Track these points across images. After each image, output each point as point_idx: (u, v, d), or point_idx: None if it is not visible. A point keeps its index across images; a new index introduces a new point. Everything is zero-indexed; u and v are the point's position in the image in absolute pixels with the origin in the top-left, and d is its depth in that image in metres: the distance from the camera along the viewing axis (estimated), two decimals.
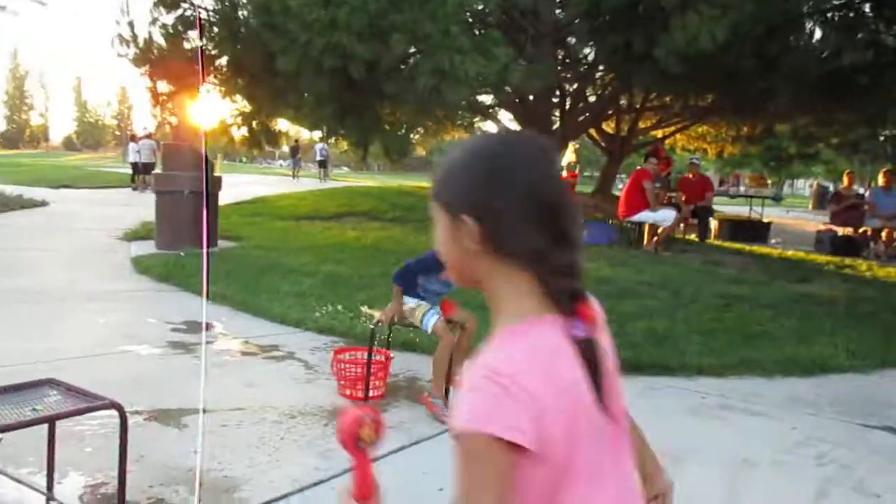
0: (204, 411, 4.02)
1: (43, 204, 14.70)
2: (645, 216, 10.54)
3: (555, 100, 16.83)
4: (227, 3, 11.84)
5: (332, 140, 17.04)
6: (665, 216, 10.53)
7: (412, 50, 10.14)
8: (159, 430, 3.75)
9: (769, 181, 19.37)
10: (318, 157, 33.03)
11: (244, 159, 64.61)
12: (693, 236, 12.94)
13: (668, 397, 4.80)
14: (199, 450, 3.51)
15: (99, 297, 7.05)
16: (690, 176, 13.38)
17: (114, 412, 2.76)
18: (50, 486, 3.01)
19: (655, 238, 10.56)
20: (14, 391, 2.78)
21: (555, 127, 16.88)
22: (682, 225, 12.44)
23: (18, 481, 3.06)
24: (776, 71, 10.33)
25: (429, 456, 3.66)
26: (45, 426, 2.85)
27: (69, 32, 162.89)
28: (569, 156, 17.08)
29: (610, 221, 12.12)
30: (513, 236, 1.08)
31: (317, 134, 29.85)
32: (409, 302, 4.31)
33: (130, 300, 7.09)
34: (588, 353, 1.07)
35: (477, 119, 19.85)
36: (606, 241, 11.13)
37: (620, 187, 19.11)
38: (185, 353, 5.27)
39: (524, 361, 1.03)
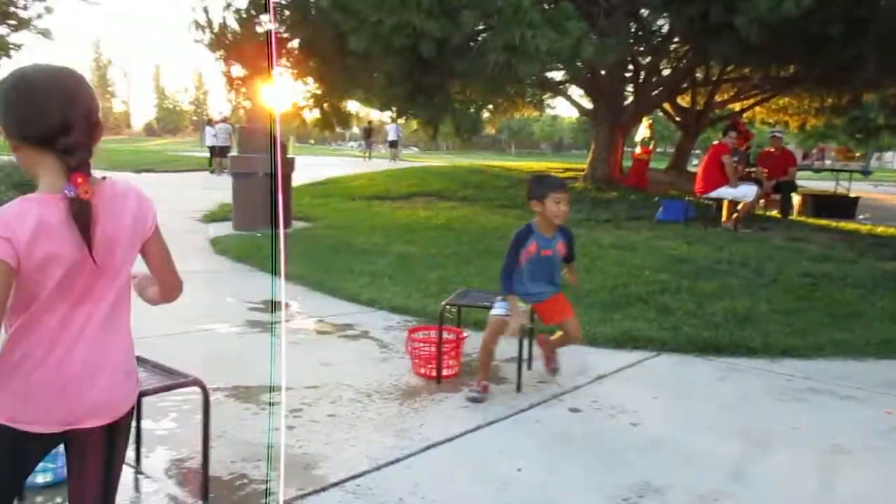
0: (282, 389, 4.09)
1: None
2: (724, 192, 10.19)
3: (627, 74, 16.45)
4: None
5: (403, 120, 17.10)
6: (745, 192, 10.15)
7: (481, 27, 10.03)
8: (239, 407, 3.83)
9: (856, 154, 18.46)
10: (389, 138, 33.22)
11: (313, 141, 65.60)
12: (775, 213, 12.44)
13: (752, 379, 4.63)
14: (282, 427, 3.57)
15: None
16: (772, 150, 12.83)
17: (197, 388, 2.83)
18: (137, 460, 3.11)
19: (735, 215, 10.19)
20: None
21: (627, 102, 16.50)
22: (762, 201, 11.99)
23: None
24: (864, 36, 9.77)
25: (505, 435, 3.62)
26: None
27: (148, 21, 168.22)
28: (643, 131, 16.66)
29: (686, 198, 11.78)
30: (22, 128, 1.62)
31: (386, 115, 30.03)
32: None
33: (209, 280, 7.27)
34: (74, 208, 1.58)
35: (547, 95, 19.58)
36: (682, 218, 10.83)
37: (695, 163, 18.59)
38: (263, 331, 5.38)
39: (15, 214, 1.56)
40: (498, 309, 4.14)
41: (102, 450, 1.79)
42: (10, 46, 15.31)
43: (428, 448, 3.42)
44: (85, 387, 1.70)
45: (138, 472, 3.06)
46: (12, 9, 14.87)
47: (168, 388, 2.82)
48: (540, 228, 4.07)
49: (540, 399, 4.14)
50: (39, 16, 15.11)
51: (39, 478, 2.88)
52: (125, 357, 1.82)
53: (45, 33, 15.43)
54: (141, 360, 2.93)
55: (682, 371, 4.83)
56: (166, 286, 1.97)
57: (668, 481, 3.15)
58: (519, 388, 4.25)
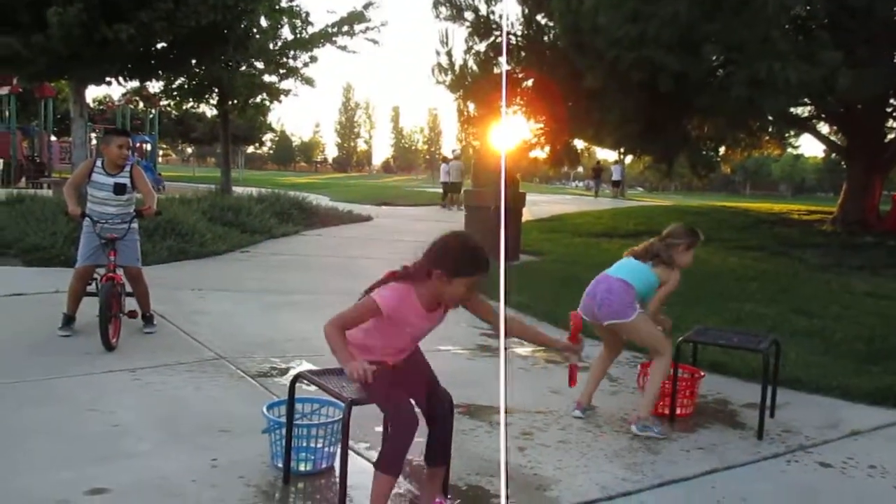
0: (512, 411, 4.19)
1: (368, 219, 16.52)
2: None
3: (889, 109, 14.93)
4: (534, 28, 12.35)
5: (632, 157, 16.84)
6: None
7: (721, 60, 9.66)
8: (473, 424, 3.97)
9: None
10: (613, 178, 33.43)
11: (537, 179, 66.47)
12: None
13: None
14: (506, 446, 3.66)
15: None
16: None
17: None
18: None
19: None
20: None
21: (889, 138, 14.96)
22: None
23: (358, 454, 3.44)
24: None
25: (745, 483, 3.41)
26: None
27: (391, 66, 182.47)
28: None
29: None
30: None
31: (612, 155, 29.69)
32: None
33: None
34: None
35: (792, 133, 18.31)
36: None
37: None
38: (493, 355, 5.54)
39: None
40: None
41: None
42: (281, 92, 17.34)
43: (662, 485, 3.32)
44: None
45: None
46: (283, 59, 16.79)
47: None
48: None
49: (785, 449, 3.85)
50: (306, 64, 16.93)
51: (301, 465, 3.21)
52: None
53: (310, 81, 17.19)
54: None
55: None
56: None
57: None
58: (760, 436, 3.99)
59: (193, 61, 14.10)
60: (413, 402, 2.76)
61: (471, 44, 12.98)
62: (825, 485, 3.46)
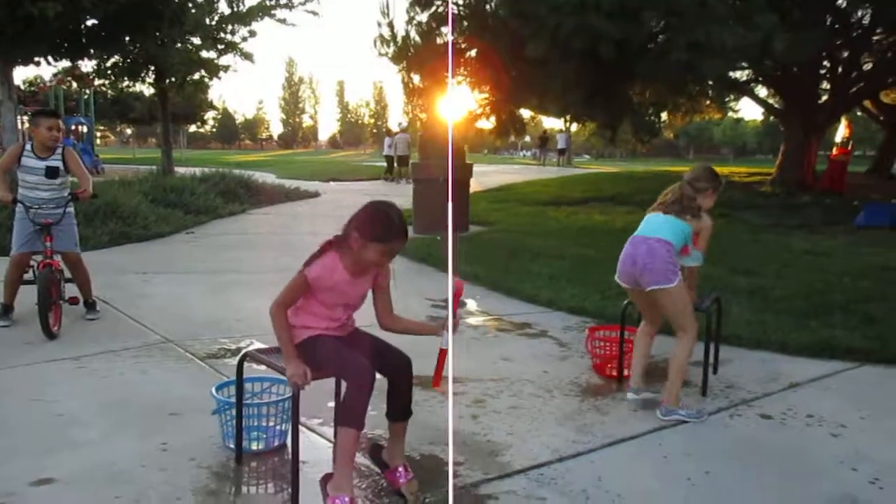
0: (465, 380, 4.23)
1: (315, 195, 16.34)
2: None
3: (822, 70, 15.32)
4: None
5: (577, 125, 16.98)
6: None
7: (662, 25, 9.74)
8: (427, 395, 3.99)
9: None
10: (559, 146, 33.98)
11: (486, 151, 66.53)
12: None
13: None
14: (451, 414, 3.69)
15: None
16: None
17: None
18: (336, 434, 3.33)
19: None
20: None
21: (822, 100, 15.37)
22: None
23: (310, 430, 3.44)
24: None
25: (691, 438, 3.52)
26: (332, 381, 3.20)
27: (334, 40, 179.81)
28: (842, 131, 15.44)
29: (893, 201, 10.80)
30: None
31: (559, 124, 29.85)
32: None
33: (393, 279, 7.61)
34: None
35: (731, 97, 18.65)
36: (888, 223, 9.94)
37: None
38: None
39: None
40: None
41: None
42: (220, 68, 16.87)
43: (611, 444, 3.40)
44: None
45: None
46: (221, 34, 16.29)
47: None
48: None
49: (728, 404, 3.98)
50: (244, 39, 16.48)
51: (253, 445, 3.19)
52: None
53: (249, 56, 16.75)
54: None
55: (891, 384, 4.44)
56: None
57: (879, 498, 2.92)
58: (704, 392, 4.12)
59: (127, 38, 13.61)
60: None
61: (412, 14, 12.83)
62: (766, 436, 3.59)
